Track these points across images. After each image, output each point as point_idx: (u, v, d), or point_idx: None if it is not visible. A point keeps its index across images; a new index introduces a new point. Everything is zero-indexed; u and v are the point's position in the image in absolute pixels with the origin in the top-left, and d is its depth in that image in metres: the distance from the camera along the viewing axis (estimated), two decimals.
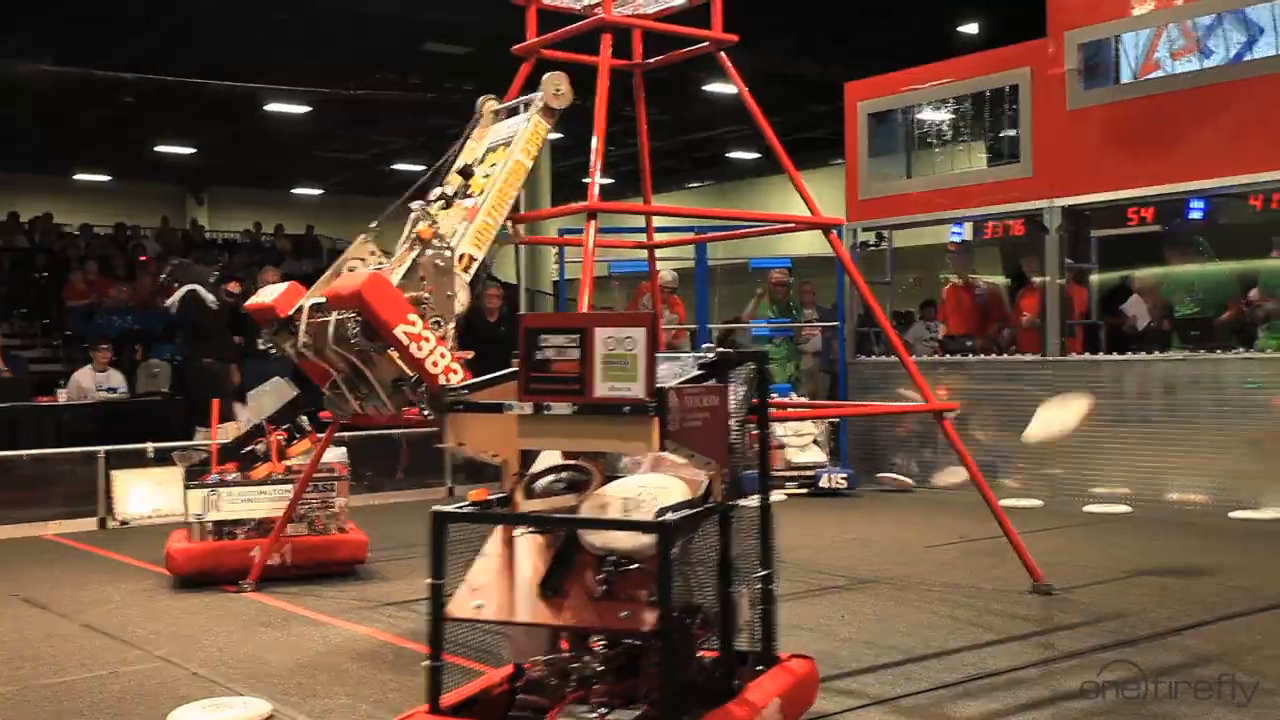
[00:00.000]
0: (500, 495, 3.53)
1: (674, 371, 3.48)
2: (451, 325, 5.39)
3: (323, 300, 5.59)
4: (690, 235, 10.29)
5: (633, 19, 6.53)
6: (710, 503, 3.38)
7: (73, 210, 27.02)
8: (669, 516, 3.14)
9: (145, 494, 9.45)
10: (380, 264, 5.98)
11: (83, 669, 5.13)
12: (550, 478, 3.55)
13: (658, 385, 3.13)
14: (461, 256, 5.67)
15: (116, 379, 13.08)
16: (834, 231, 6.75)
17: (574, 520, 3.36)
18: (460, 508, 3.40)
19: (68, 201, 28.02)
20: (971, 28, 17.71)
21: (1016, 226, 10.68)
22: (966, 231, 11.83)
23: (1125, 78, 9.95)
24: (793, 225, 7.29)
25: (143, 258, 21.27)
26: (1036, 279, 10.57)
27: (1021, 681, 4.62)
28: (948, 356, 11.25)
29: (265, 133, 24.32)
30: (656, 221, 8.19)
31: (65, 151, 26.64)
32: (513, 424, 3.33)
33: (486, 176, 5.98)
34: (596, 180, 5.83)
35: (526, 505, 3.45)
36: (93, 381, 12.79)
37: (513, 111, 6.34)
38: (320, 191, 32.92)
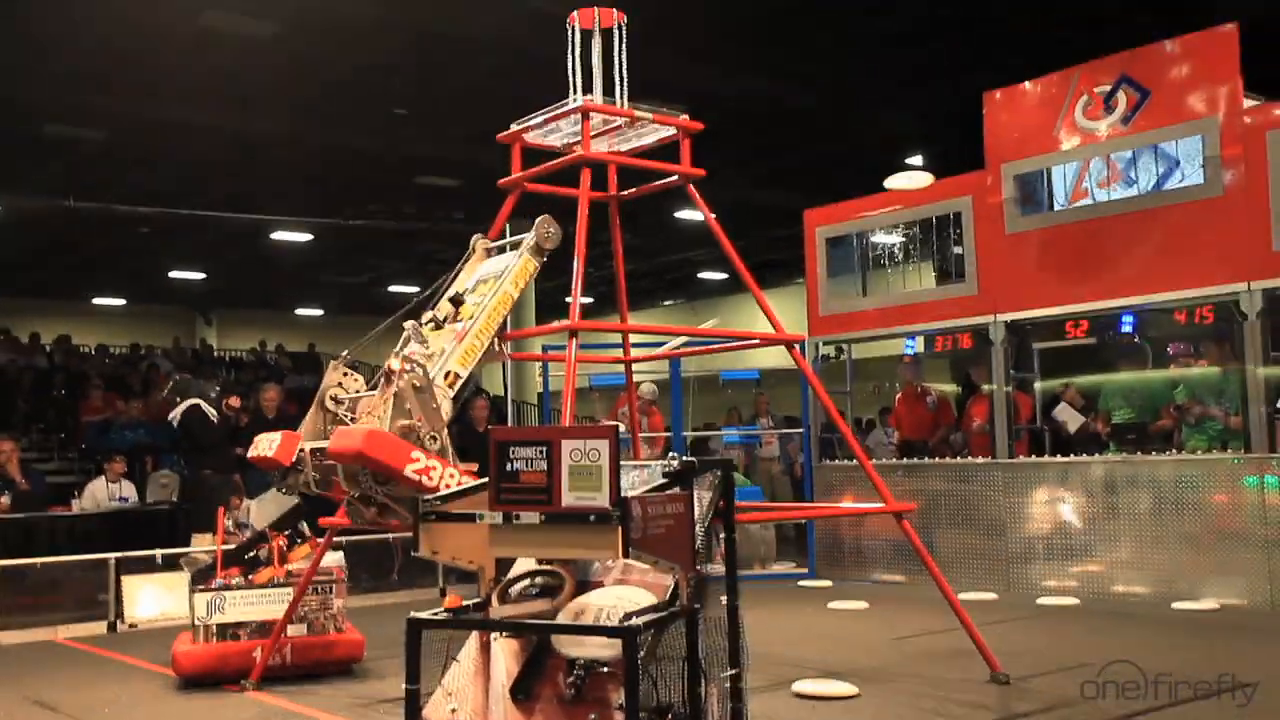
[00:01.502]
0: (476, 601, 3.48)
1: (641, 480, 3.48)
2: (444, 433, 5.38)
3: (322, 447, 5.57)
4: (665, 350, 10.35)
5: (609, 155, 6.67)
6: (676, 606, 3.33)
7: (89, 332, 27.02)
8: (634, 621, 3.09)
9: (153, 598, 9.28)
10: (358, 390, 5.96)
11: None
12: (525, 583, 3.52)
13: (622, 494, 3.11)
14: (448, 374, 5.69)
15: (128, 489, 12.94)
16: (796, 346, 6.82)
17: (542, 625, 3.31)
18: (435, 614, 3.35)
19: (85, 323, 28.02)
20: (917, 159, 18.12)
21: (964, 339, 10.79)
22: (918, 344, 11.96)
23: (1058, 204, 10.17)
24: (758, 341, 7.35)
25: (159, 376, 21.19)
26: (985, 387, 10.66)
27: None
28: (905, 460, 11.28)
29: (269, 258, 24.51)
30: (633, 338, 8.25)
31: (83, 277, 26.73)
32: (485, 533, 3.30)
33: (476, 304, 6.03)
34: (577, 301, 5.89)
35: (501, 610, 3.40)
36: (106, 492, 12.66)
37: (502, 250, 6.43)
38: (321, 312, 33.04)
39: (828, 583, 10.71)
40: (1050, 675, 6.29)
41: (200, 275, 26.83)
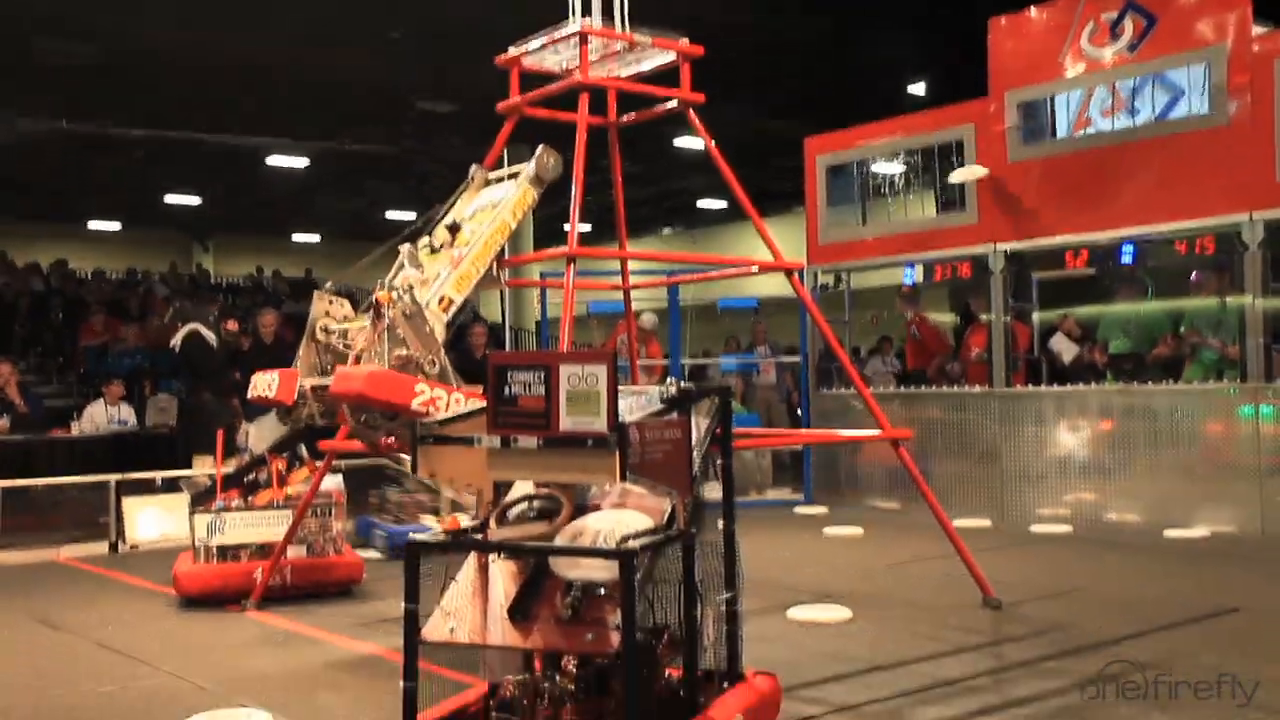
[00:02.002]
0: (473, 524, 3.48)
1: (639, 406, 3.46)
2: (442, 355, 5.36)
3: (324, 384, 5.57)
4: (663, 278, 10.33)
5: (608, 80, 6.58)
6: (673, 530, 3.34)
7: (86, 256, 26.93)
8: (631, 544, 3.09)
9: (154, 520, 9.35)
10: (346, 319, 5.91)
11: (95, 685, 5.07)
12: (523, 506, 3.52)
13: (621, 420, 3.11)
14: (442, 299, 5.65)
15: (127, 413, 12.99)
16: (796, 274, 6.79)
17: (540, 548, 3.33)
18: (434, 536, 3.36)
19: (81, 248, 27.91)
20: (919, 88, 17.93)
21: (964, 269, 10.77)
22: (917, 273, 11.93)
23: (1060, 133, 10.09)
24: (758, 269, 7.33)
25: (154, 300, 21.17)
26: (984, 317, 10.66)
27: (974, 689, 4.63)
28: (902, 389, 11.31)
29: (266, 184, 24.35)
30: (631, 265, 8.22)
31: (79, 202, 26.57)
32: (483, 457, 3.29)
33: (473, 232, 5.98)
34: (575, 228, 5.86)
35: (499, 533, 3.41)
36: (105, 416, 12.71)
37: (501, 181, 6.36)
38: (318, 237, 32.91)
39: (824, 509, 10.80)
40: (1042, 601, 6.37)
41: (196, 200, 26.65)
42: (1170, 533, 8.72)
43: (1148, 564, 7.61)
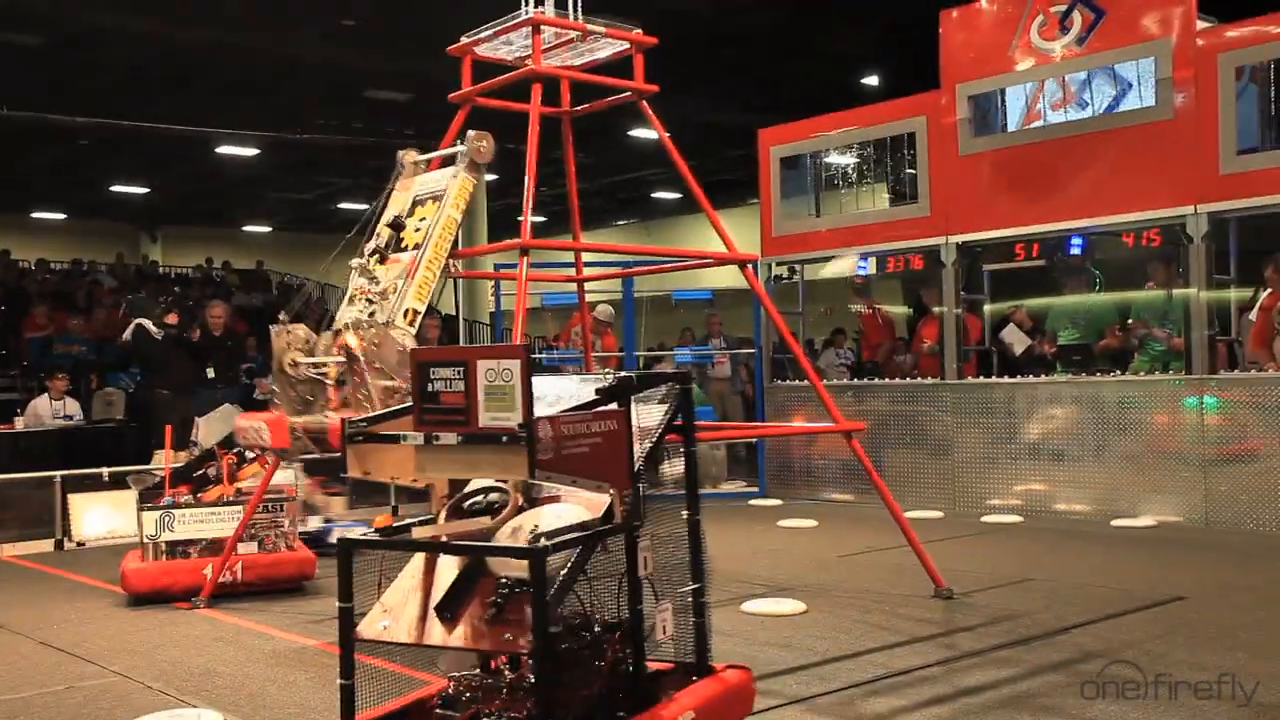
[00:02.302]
0: (417, 519, 3.46)
1: (572, 396, 3.43)
2: None
3: (316, 421, 5.56)
4: (617, 270, 10.31)
5: (561, 70, 6.55)
6: (609, 524, 3.29)
7: (30, 247, 26.38)
8: (543, 542, 3.04)
9: (100, 516, 9.22)
10: (308, 341, 5.84)
11: (39, 685, 4.98)
12: (478, 498, 3.50)
13: (536, 415, 3.05)
14: (407, 312, 5.62)
15: (72, 407, 12.77)
16: (749, 266, 6.80)
17: (448, 546, 3.31)
18: (365, 534, 3.35)
19: (25, 238, 27.37)
20: (873, 80, 18.03)
21: (916, 261, 10.85)
22: (870, 266, 12.01)
23: (1011, 126, 10.18)
24: (712, 260, 7.33)
25: (99, 291, 20.82)
26: (935, 309, 10.75)
27: (927, 679, 4.67)
28: (855, 380, 11.38)
29: (215, 173, 24.02)
30: (586, 257, 8.20)
31: (22, 191, 26.06)
32: (409, 454, 3.27)
33: (417, 230, 5.91)
34: (529, 219, 5.83)
35: (445, 527, 3.38)
36: (50, 410, 12.49)
37: (429, 164, 6.29)
38: (269, 229, 32.52)
39: (778, 501, 10.85)
40: (993, 590, 6.44)
41: (143, 190, 26.24)
42: (1118, 522, 8.85)
43: (1096, 553, 7.71)
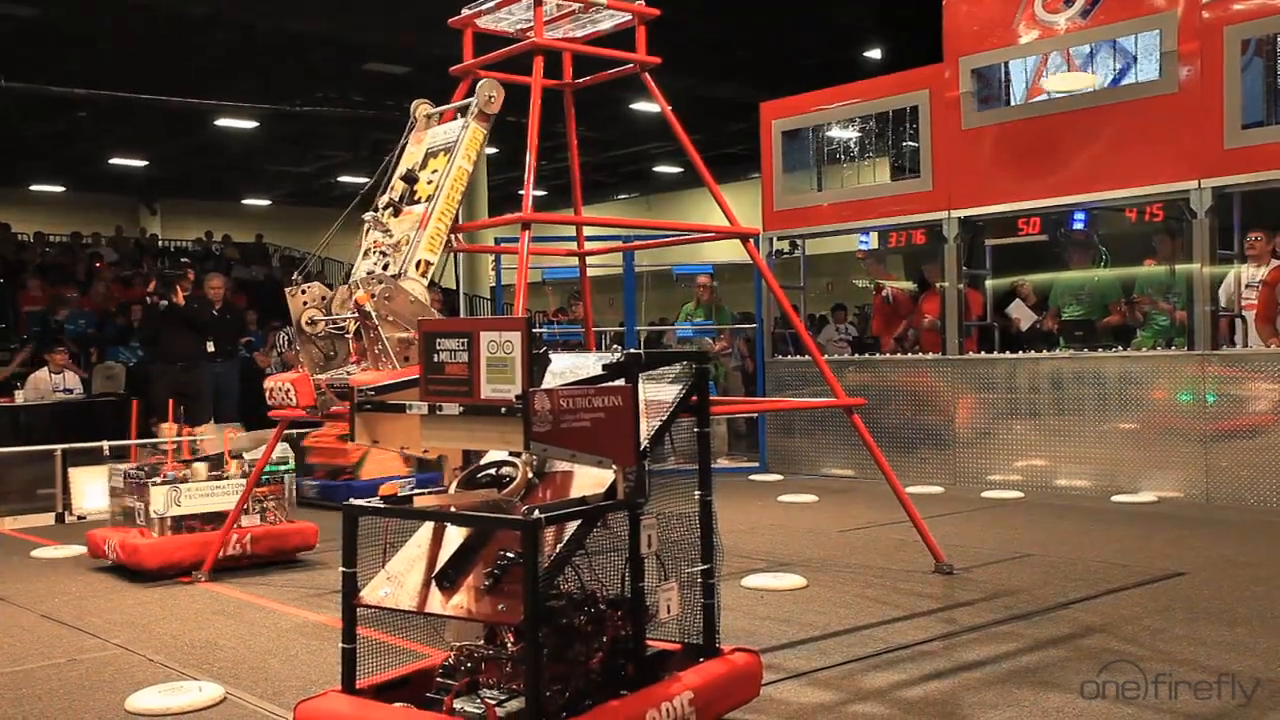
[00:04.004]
0: (419, 490, 3.48)
1: (585, 372, 3.44)
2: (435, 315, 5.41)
3: (340, 375, 5.62)
4: (619, 244, 10.29)
5: (563, 42, 6.51)
6: (611, 500, 3.26)
7: (29, 220, 26.34)
8: (536, 514, 3.01)
9: (101, 490, 9.21)
10: (324, 298, 5.90)
11: (41, 657, 5.00)
12: (492, 471, 3.50)
13: (536, 388, 3.08)
14: (419, 263, 5.64)
15: (73, 380, 12.78)
16: (751, 240, 6.78)
17: (438, 514, 3.33)
18: (369, 502, 3.37)
19: (24, 211, 27.31)
20: (875, 53, 17.93)
21: (918, 236, 10.82)
22: (872, 240, 11.98)
23: (1014, 100, 10.13)
24: (713, 234, 7.31)
25: (99, 264, 20.81)
26: (937, 284, 10.72)
27: (927, 654, 4.68)
28: (857, 355, 11.38)
29: (214, 146, 23.94)
30: (587, 231, 8.18)
31: (20, 163, 25.98)
32: (415, 424, 3.31)
33: (430, 182, 5.94)
34: (530, 192, 5.80)
35: (454, 498, 3.41)
36: (49, 383, 12.49)
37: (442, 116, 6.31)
38: (268, 202, 32.43)
39: (778, 476, 10.87)
40: (993, 565, 6.45)
41: (142, 163, 26.16)
42: (1118, 498, 8.86)
43: (1096, 528, 7.72)
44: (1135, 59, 9.40)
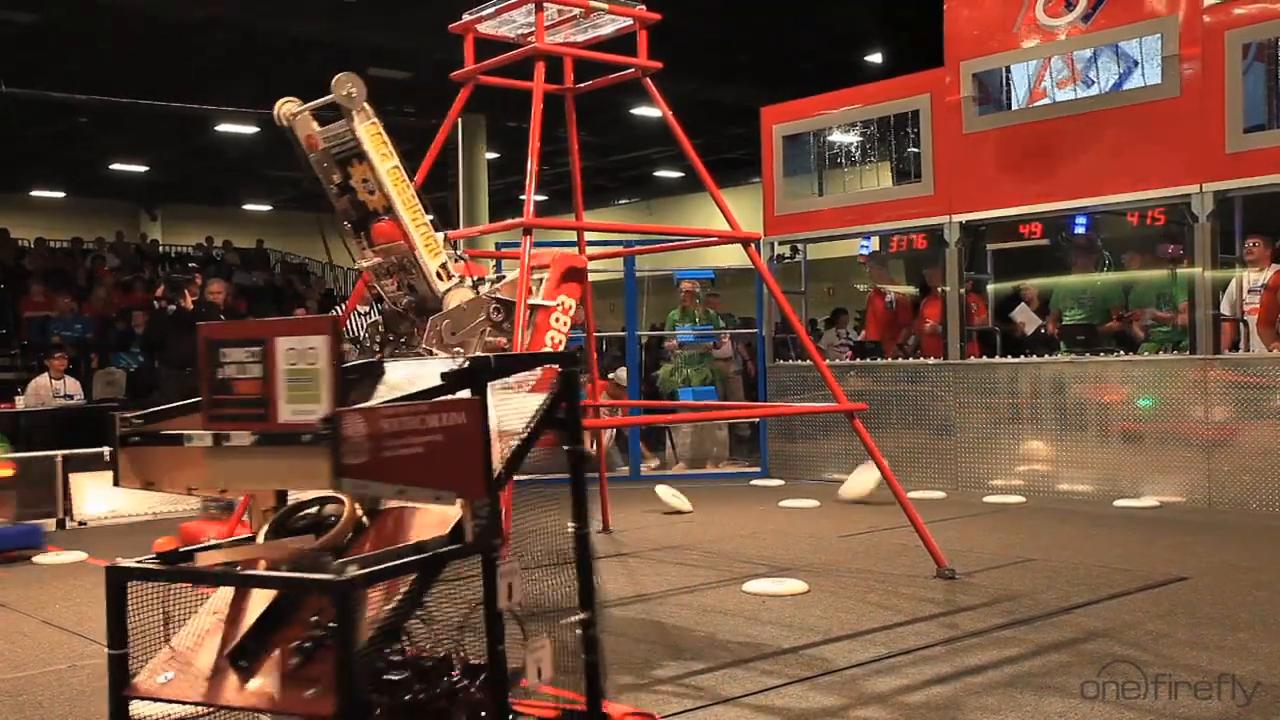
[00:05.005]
0: (209, 544, 2.92)
1: (414, 381, 2.86)
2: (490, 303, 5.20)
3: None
4: (620, 249, 10.29)
5: (564, 47, 6.53)
6: (457, 544, 2.63)
7: (28, 225, 26.35)
8: (350, 572, 2.35)
9: (102, 495, 9.23)
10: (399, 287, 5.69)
11: (42, 664, 5.01)
12: (311, 511, 2.87)
13: (348, 407, 2.46)
14: (439, 273, 5.47)
15: (73, 386, 12.78)
16: (752, 245, 6.79)
17: (233, 577, 2.68)
18: (140, 562, 2.72)
19: (23, 217, 27.31)
20: (876, 57, 17.94)
21: (919, 240, 10.83)
22: (874, 244, 12.00)
23: (1015, 104, 10.14)
24: (714, 239, 7.32)
25: (102, 270, 20.82)
26: (939, 289, 10.73)
27: (929, 659, 4.68)
28: (858, 360, 11.39)
29: (216, 151, 23.95)
30: (588, 236, 8.19)
31: (20, 168, 26.01)
32: (198, 459, 2.64)
33: (371, 193, 5.51)
34: (531, 198, 5.82)
35: (262, 549, 2.78)
36: (50, 389, 12.50)
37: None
38: (269, 207, 32.45)
39: (780, 481, 10.87)
40: (995, 570, 6.45)
41: (143, 168, 26.18)
42: (1120, 502, 8.86)
43: (1098, 533, 7.73)
44: (1136, 63, 9.41)
